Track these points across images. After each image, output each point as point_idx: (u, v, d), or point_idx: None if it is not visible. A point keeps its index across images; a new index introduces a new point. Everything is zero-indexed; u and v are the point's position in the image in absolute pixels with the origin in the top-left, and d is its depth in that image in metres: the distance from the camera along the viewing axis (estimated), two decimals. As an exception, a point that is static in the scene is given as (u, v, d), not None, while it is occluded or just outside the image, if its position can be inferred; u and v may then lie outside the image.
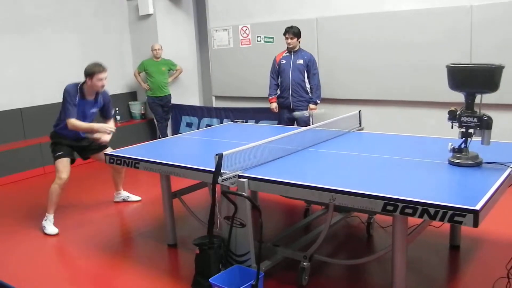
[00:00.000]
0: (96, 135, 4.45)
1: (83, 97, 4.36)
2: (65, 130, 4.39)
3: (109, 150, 4.40)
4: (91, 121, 4.49)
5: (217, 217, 3.04)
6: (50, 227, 4.36)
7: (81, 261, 3.74)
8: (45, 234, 4.31)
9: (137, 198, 5.16)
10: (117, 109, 7.73)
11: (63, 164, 4.37)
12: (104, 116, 4.67)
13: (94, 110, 4.52)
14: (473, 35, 5.08)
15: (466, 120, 2.81)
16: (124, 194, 5.16)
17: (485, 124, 2.76)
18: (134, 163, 3.61)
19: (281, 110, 5.88)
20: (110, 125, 4.47)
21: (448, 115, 2.87)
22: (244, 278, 2.84)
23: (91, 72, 4.25)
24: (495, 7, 4.94)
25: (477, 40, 5.06)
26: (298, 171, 2.99)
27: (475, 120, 2.78)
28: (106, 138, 4.47)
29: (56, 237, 4.25)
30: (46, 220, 4.41)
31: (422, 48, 5.41)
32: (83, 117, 4.40)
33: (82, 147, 4.62)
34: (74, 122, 4.31)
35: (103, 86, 4.33)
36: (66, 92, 4.32)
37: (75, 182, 6.02)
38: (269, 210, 4.58)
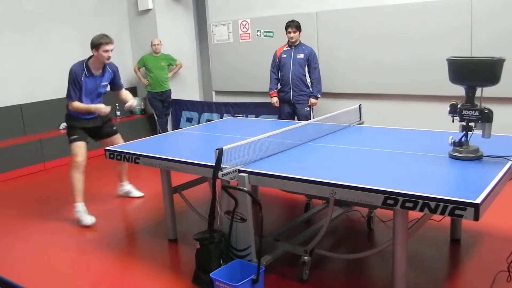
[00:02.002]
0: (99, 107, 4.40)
1: (90, 74, 4.34)
2: (77, 112, 4.40)
3: (119, 137, 4.55)
4: (100, 98, 4.49)
5: (217, 212, 3.04)
6: (85, 217, 4.31)
7: (82, 256, 3.75)
8: (84, 226, 4.28)
9: (140, 194, 5.14)
10: (117, 104, 7.72)
11: (78, 146, 4.36)
12: (115, 88, 4.66)
13: (105, 83, 4.50)
14: (474, 29, 5.06)
15: (467, 114, 2.80)
16: (128, 187, 5.14)
17: (485, 117, 2.76)
18: (134, 158, 3.61)
19: (281, 104, 5.87)
20: (104, 107, 4.37)
21: (449, 109, 2.86)
22: (245, 273, 2.84)
23: (98, 43, 4.24)
24: (495, 1, 4.91)
25: (477, 34, 5.04)
26: (299, 166, 2.98)
27: (476, 113, 2.77)
28: (107, 109, 4.41)
29: (56, 232, 4.25)
30: (78, 211, 4.35)
31: (423, 42, 5.39)
32: (94, 94, 4.40)
33: (96, 128, 4.59)
34: (75, 104, 4.31)
35: (109, 57, 4.30)
36: (73, 73, 4.28)
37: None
38: (270, 204, 4.58)
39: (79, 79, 4.27)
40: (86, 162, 4.39)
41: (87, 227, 4.30)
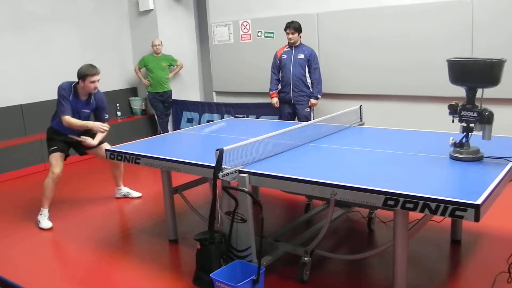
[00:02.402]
0: (82, 138, 4.46)
1: (76, 96, 4.39)
2: (61, 124, 4.42)
3: (107, 146, 4.42)
4: (86, 118, 4.50)
5: (218, 212, 3.04)
6: (45, 221, 4.40)
7: (82, 257, 3.75)
8: (40, 228, 4.35)
9: (138, 194, 5.16)
10: (117, 104, 7.74)
11: (56, 159, 4.40)
12: (97, 118, 4.66)
13: (87, 110, 4.53)
14: (475, 30, 5.06)
15: (466, 115, 2.80)
16: (124, 190, 5.16)
17: (485, 119, 2.75)
18: (135, 158, 3.61)
19: (282, 105, 5.87)
20: (105, 124, 4.47)
21: (448, 110, 2.86)
22: (245, 273, 2.84)
23: (83, 74, 4.28)
24: (496, 2, 4.91)
25: (478, 35, 5.04)
26: (299, 166, 2.98)
27: (475, 114, 2.77)
28: (91, 141, 4.46)
29: (57, 233, 4.25)
30: (41, 214, 4.45)
31: (423, 43, 5.39)
32: (76, 114, 4.43)
33: (78, 143, 4.59)
34: (69, 119, 4.35)
35: (95, 88, 4.37)
36: (61, 89, 4.35)
37: (76, 178, 6.03)
38: (270, 205, 4.58)
39: (67, 96, 4.34)
40: (62, 173, 4.44)
41: (45, 229, 4.33)
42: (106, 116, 4.67)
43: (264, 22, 6.72)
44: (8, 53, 6.71)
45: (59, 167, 4.40)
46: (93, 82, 4.30)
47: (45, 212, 4.46)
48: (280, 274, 3.20)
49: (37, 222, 4.43)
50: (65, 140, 4.51)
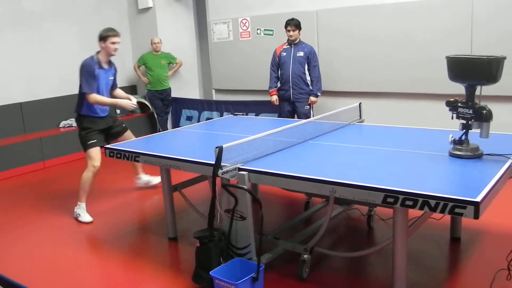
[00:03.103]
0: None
1: (101, 67, 4.41)
2: (90, 108, 4.42)
3: (130, 134, 4.61)
4: (108, 91, 4.52)
5: (217, 210, 3.04)
6: (85, 215, 4.40)
7: (82, 255, 3.75)
8: (80, 222, 4.37)
9: (158, 180, 5.13)
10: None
11: (95, 152, 4.41)
12: (112, 86, 4.70)
13: (111, 77, 4.57)
14: (474, 27, 5.05)
15: (462, 112, 2.80)
16: (145, 178, 5.20)
17: (482, 116, 2.74)
18: (134, 156, 3.61)
19: (281, 102, 5.87)
20: (129, 103, 4.46)
21: (446, 106, 2.86)
22: (245, 271, 2.84)
23: (105, 35, 4.35)
24: (496, -1, 4.92)
25: (477, 32, 5.04)
26: (299, 164, 2.98)
27: (470, 111, 2.77)
28: (134, 102, 4.50)
29: (56, 231, 4.25)
30: (79, 207, 4.45)
31: (423, 40, 5.39)
32: (104, 87, 4.45)
33: (108, 128, 4.63)
34: (96, 97, 4.34)
35: (116, 49, 4.40)
36: (86, 65, 4.33)
37: (74, 176, 6.03)
38: (270, 203, 4.58)
39: (94, 71, 4.33)
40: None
41: (85, 223, 4.34)
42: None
43: (263, 19, 6.71)
44: (8, 51, 6.70)
45: (98, 160, 4.39)
46: (114, 43, 4.35)
47: (83, 205, 4.45)
48: (280, 271, 3.20)
49: (76, 216, 4.43)
50: (99, 128, 4.51)
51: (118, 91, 4.73)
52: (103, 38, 4.34)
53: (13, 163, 6.31)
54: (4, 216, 4.73)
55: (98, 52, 4.41)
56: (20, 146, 6.45)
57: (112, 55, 4.45)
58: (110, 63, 4.53)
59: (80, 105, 4.45)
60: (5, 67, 6.67)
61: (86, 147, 4.42)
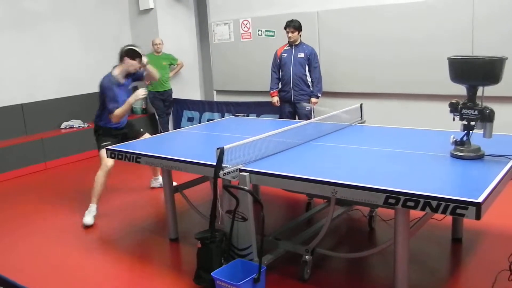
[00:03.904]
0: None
1: (118, 84, 4.47)
2: (109, 123, 4.51)
3: (147, 136, 4.65)
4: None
5: (218, 211, 3.04)
6: (87, 217, 4.37)
7: (83, 255, 3.75)
8: (83, 223, 4.34)
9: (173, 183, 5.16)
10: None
11: None
12: (140, 79, 4.80)
13: (130, 87, 4.66)
14: (475, 28, 5.05)
15: (467, 113, 2.80)
16: (161, 179, 5.15)
17: (486, 117, 2.75)
18: (135, 157, 3.61)
19: (282, 104, 5.87)
20: (139, 92, 4.43)
21: (449, 108, 2.86)
22: (246, 272, 2.84)
23: (136, 55, 4.42)
24: (497, 0, 4.90)
25: (479, 33, 5.04)
26: (300, 165, 2.98)
27: (476, 112, 2.77)
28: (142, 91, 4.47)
29: (58, 232, 4.25)
30: (89, 208, 4.44)
31: (424, 42, 5.39)
32: (126, 98, 4.47)
33: (123, 134, 4.69)
34: (117, 113, 4.39)
35: (135, 69, 4.51)
36: (106, 88, 4.39)
37: (75, 177, 6.03)
38: (271, 204, 4.58)
39: (115, 94, 4.40)
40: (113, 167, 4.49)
41: (86, 226, 4.32)
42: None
43: (264, 20, 6.71)
44: (9, 53, 6.71)
45: (111, 160, 4.37)
46: (134, 66, 4.45)
47: (93, 208, 4.43)
48: (281, 272, 3.20)
49: (83, 216, 4.42)
50: (114, 134, 4.59)
51: (149, 67, 4.71)
52: (131, 55, 4.42)
53: (14, 164, 6.31)
54: (6, 217, 4.73)
55: (115, 67, 4.49)
56: (22, 147, 6.45)
57: (130, 72, 4.55)
58: (128, 74, 4.58)
59: (99, 116, 4.56)
60: (6, 68, 6.68)
61: (99, 147, 4.50)
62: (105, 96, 4.40)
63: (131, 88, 4.68)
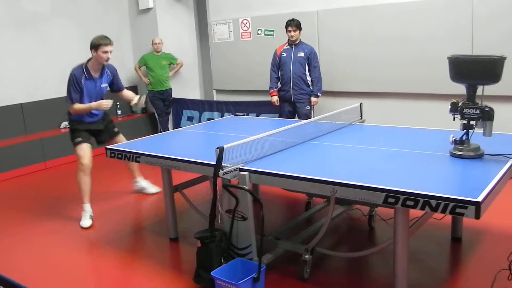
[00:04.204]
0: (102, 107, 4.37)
1: (90, 76, 4.35)
2: (77, 115, 4.41)
3: (122, 137, 4.58)
4: (101, 98, 4.44)
5: (218, 210, 3.04)
6: (85, 220, 4.35)
7: (83, 255, 3.75)
8: (81, 226, 4.31)
9: (156, 189, 5.10)
10: (117, 103, 7.72)
11: (82, 149, 4.35)
12: (115, 90, 4.67)
13: (103, 85, 4.49)
14: (475, 27, 5.05)
15: (468, 112, 2.80)
16: (142, 183, 5.15)
17: (486, 116, 2.75)
18: (135, 157, 3.61)
19: (282, 103, 5.87)
20: (105, 101, 4.33)
21: (450, 107, 2.86)
22: (246, 271, 2.84)
23: (97, 44, 4.24)
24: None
25: (478, 32, 5.04)
26: (299, 164, 2.98)
27: (477, 111, 2.77)
28: (109, 103, 4.36)
29: (57, 232, 4.25)
30: (83, 210, 4.41)
31: (423, 41, 5.39)
32: (92, 96, 4.39)
33: (98, 131, 4.61)
34: (75, 106, 4.31)
35: (107, 58, 4.30)
36: (73, 76, 4.28)
37: (74, 177, 6.03)
38: (271, 203, 4.58)
39: (80, 82, 4.29)
40: (92, 163, 4.39)
41: (83, 228, 4.30)
42: (121, 83, 4.71)
43: (264, 20, 6.71)
44: (8, 52, 6.71)
45: (87, 158, 4.33)
46: (106, 52, 4.25)
47: (86, 208, 4.40)
48: (281, 272, 3.20)
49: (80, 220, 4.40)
50: (86, 129, 4.49)
51: (125, 92, 4.72)
52: (94, 46, 4.25)
53: (14, 164, 6.31)
54: (5, 217, 4.73)
55: (89, 60, 4.35)
56: (21, 147, 6.45)
57: (104, 64, 4.39)
58: (102, 70, 4.44)
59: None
60: (5, 68, 6.68)
61: (73, 145, 4.41)
62: (68, 86, 4.29)
63: (104, 87, 4.51)
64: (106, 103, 4.32)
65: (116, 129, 4.74)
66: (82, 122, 4.47)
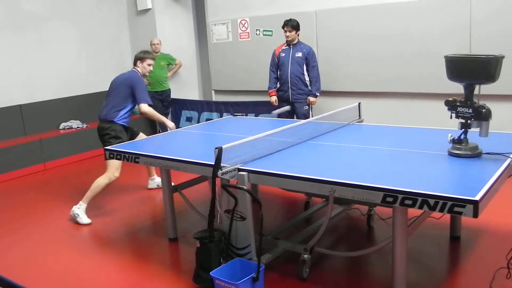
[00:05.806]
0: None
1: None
2: (124, 118, 4.55)
3: (142, 134, 4.75)
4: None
5: (217, 210, 3.05)
6: (84, 217, 4.39)
7: (82, 255, 3.75)
8: (77, 222, 4.36)
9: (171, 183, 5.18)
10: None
11: (120, 164, 4.39)
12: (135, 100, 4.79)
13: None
14: (473, 25, 5.06)
15: (462, 111, 2.81)
16: (158, 179, 5.19)
17: (481, 115, 2.74)
18: (134, 157, 3.61)
19: (280, 103, 5.88)
20: (172, 125, 4.64)
21: (445, 105, 2.86)
22: (245, 271, 2.85)
23: (143, 57, 4.62)
24: (494, -2, 4.92)
25: (477, 30, 5.05)
26: (298, 164, 2.99)
27: (470, 111, 2.77)
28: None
29: (56, 232, 4.25)
30: (79, 208, 4.42)
31: (422, 40, 5.40)
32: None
33: (131, 134, 4.74)
34: (150, 110, 4.53)
35: (150, 71, 4.71)
36: (137, 76, 4.56)
37: (74, 178, 6.04)
38: (270, 203, 4.59)
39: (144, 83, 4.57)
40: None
41: (83, 225, 4.33)
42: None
43: (262, 20, 6.72)
44: (7, 53, 6.71)
45: (119, 171, 4.42)
46: (150, 65, 4.64)
47: (83, 207, 4.42)
48: (280, 271, 3.21)
49: (74, 216, 4.39)
50: (126, 134, 4.61)
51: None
52: (141, 59, 4.59)
53: (13, 165, 6.31)
54: (5, 218, 4.73)
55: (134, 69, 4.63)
56: (20, 148, 6.45)
57: (146, 76, 4.72)
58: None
59: (116, 112, 4.52)
60: (4, 69, 6.68)
61: (112, 157, 4.39)
62: (135, 89, 4.45)
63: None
64: (171, 126, 4.63)
65: (136, 129, 4.88)
66: (125, 127, 4.59)
